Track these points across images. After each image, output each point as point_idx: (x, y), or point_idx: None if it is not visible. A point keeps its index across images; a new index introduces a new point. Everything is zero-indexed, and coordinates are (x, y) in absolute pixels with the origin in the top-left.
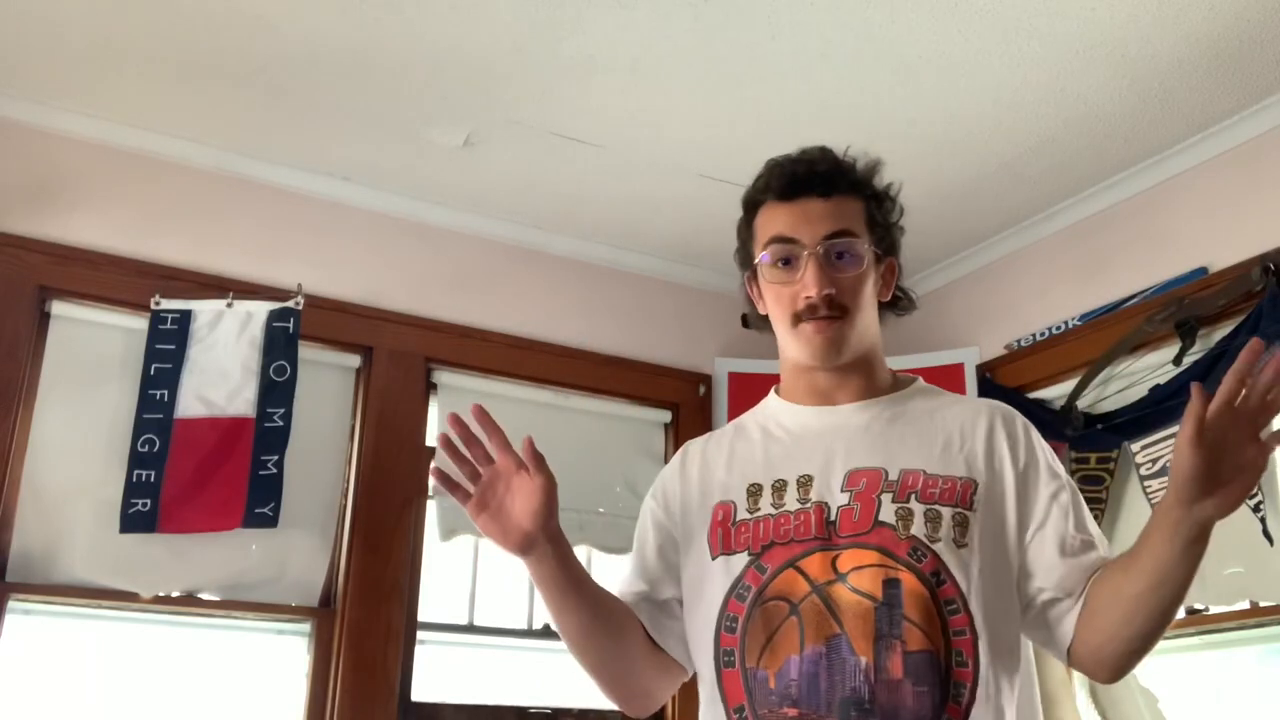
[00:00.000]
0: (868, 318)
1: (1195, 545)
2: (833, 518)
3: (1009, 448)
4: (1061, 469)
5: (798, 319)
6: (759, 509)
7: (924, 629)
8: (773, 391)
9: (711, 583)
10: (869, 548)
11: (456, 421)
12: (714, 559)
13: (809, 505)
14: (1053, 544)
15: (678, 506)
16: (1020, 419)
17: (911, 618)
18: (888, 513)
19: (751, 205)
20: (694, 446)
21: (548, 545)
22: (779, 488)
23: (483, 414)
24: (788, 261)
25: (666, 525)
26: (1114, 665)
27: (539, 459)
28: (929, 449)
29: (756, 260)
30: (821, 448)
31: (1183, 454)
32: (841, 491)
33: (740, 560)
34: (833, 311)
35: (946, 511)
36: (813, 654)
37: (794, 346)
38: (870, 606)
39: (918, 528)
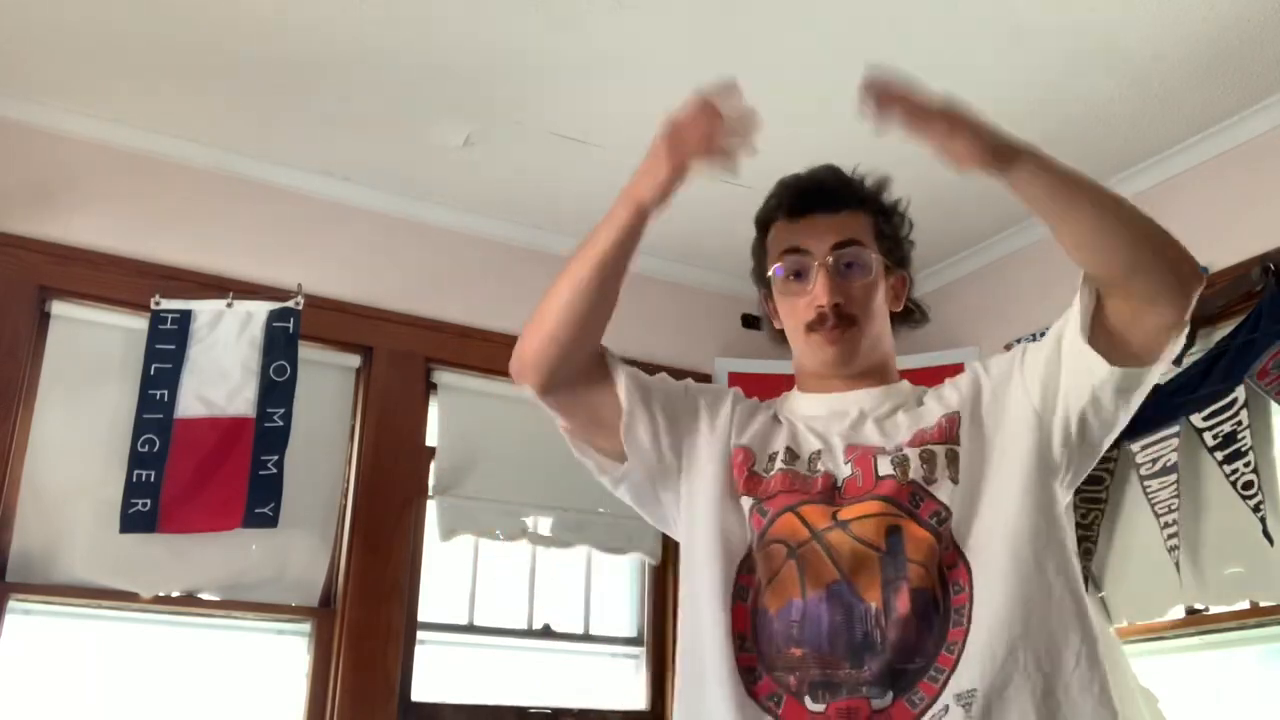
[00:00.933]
0: (878, 328)
1: (1000, 163)
2: (839, 485)
3: (982, 369)
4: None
5: (809, 329)
6: (773, 466)
7: (925, 567)
8: (796, 388)
9: (723, 516)
10: (871, 498)
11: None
12: (735, 498)
13: (818, 473)
14: (1052, 342)
15: (719, 419)
16: (1001, 354)
17: (914, 559)
18: (885, 467)
19: (764, 224)
20: (740, 395)
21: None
22: (792, 455)
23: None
24: (799, 274)
25: (694, 408)
26: (1143, 298)
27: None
28: (928, 423)
29: (769, 274)
30: (831, 429)
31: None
32: (844, 464)
33: (745, 503)
34: (842, 321)
35: (940, 450)
36: (815, 598)
37: (807, 356)
38: (875, 556)
39: (914, 471)
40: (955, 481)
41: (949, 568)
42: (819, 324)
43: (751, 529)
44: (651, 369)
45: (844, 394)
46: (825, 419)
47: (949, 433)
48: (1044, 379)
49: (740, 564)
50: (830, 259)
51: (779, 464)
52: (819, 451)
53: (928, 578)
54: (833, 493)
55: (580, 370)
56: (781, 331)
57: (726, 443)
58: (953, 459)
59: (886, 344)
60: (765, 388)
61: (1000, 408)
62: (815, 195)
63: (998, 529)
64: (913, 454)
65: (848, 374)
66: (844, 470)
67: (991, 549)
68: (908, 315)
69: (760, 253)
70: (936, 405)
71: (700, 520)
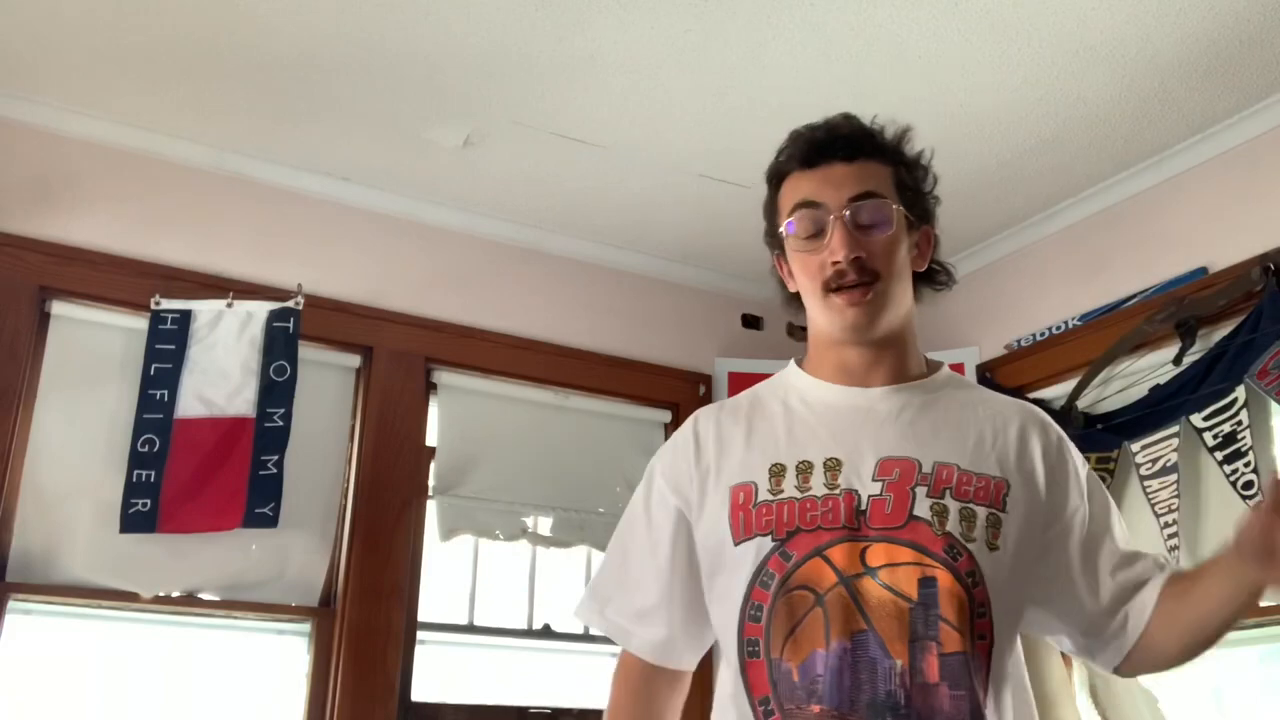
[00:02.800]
0: (901, 286)
1: (1252, 597)
2: (863, 507)
3: (1041, 452)
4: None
5: (828, 289)
6: (782, 491)
7: (958, 630)
8: (793, 363)
9: (734, 569)
10: (902, 543)
11: None
12: (737, 544)
13: (837, 492)
14: (1111, 556)
15: (693, 487)
16: (1055, 427)
17: (947, 618)
18: (922, 507)
19: (775, 178)
20: (706, 417)
21: None
22: (804, 469)
23: None
24: (816, 231)
25: (681, 509)
26: (1163, 666)
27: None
28: (962, 444)
29: (781, 230)
30: (851, 431)
31: (1253, 524)
32: (873, 480)
33: (765, 545)
34: (864, 277)
35: (981, 511)
36: (838, 649)
37: (825, 319)
38: (906, 607)
39: (953, 525)
40: (993, 548)
41: (979, 638)
42: (837, 280)
43: (771, 573)
44: (652, 369)
45: (866, 389)
46: (846, 416)
47: (995, 497)
48: (1090, 572)
49: (742, 613)
50: (848, 212)
51: (790, 488)
52: (837, 461)
53: (961, 641)
54: (857, 518)
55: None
56: (796, 296)
57: (720, 487)
58: (994, 524)
59: (908, 308)
60: None
61: (1035, 514)
62: (830, 144)
63: (1013, 605)
64: (953, 506)
65: (869, 339)
66: (871, 487)
67: (1003, 625)
68: (932, 276)
69: (772, 210)
70: (982, 429)
71: (711, 582)
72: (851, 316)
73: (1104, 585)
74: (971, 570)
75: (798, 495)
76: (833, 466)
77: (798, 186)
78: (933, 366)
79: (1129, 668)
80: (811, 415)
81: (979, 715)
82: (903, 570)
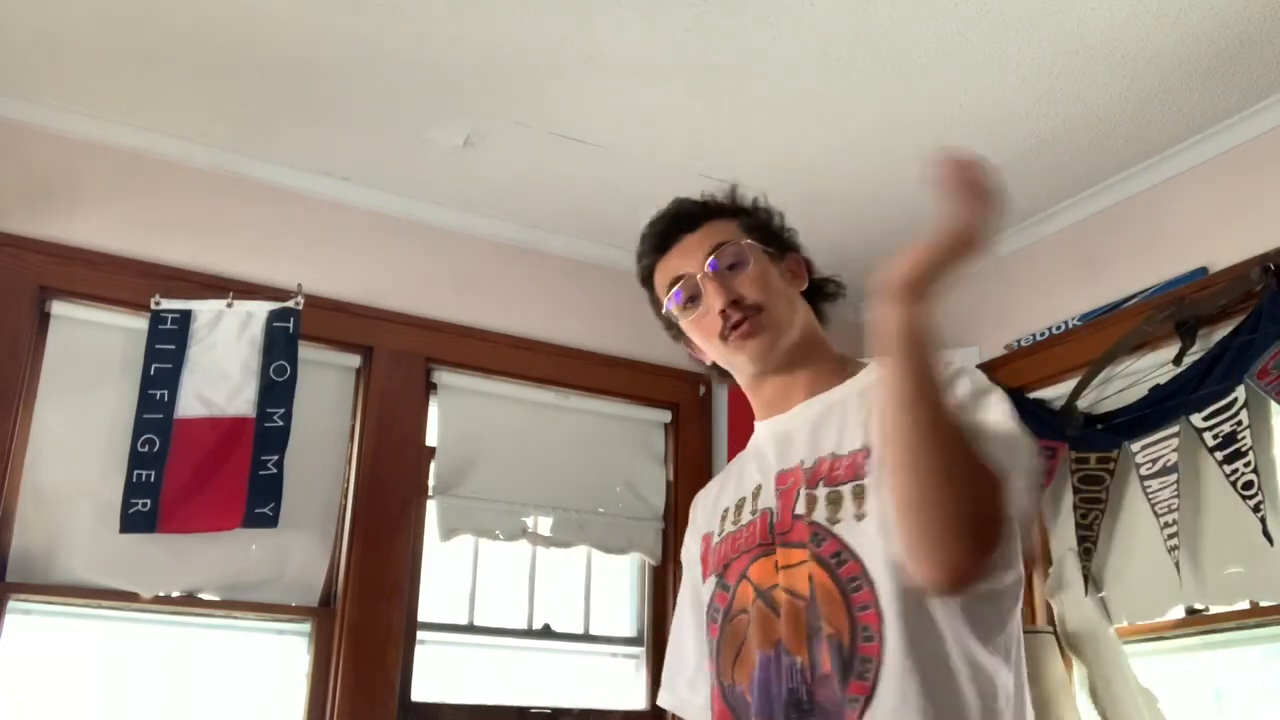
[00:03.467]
0: (787, 308)
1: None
2: (773, 522)
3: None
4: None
5: (724, 338)
6: (724, 530)
7: (833, 613)
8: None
9: (699, 613)
10: (792, 545)
11: None
12: (704, 585)
13: (756, 515)
14: None
15: (695, 554)
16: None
17: (824, 606)
18: (801, 505)
19: (645, 278)
20: (698, 499)
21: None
22: (739, 505)
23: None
24: (693, 298)
25: (694, 578)
26: (912, 549)
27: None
28: (842, 429)
29: (667, 312)
30: (774, 455)
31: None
32: (776, 495)
33: (712, 583)
34: (747, 312)
35: (846, 489)
36: (762, 660)
37: (735, 364)
38: (801, 605)
39: (819, 512)
40: (860, 518)
41: (861, 609)
42: (726, 324)
43: (717, 607)
44: (652, 369)
45: (785, 414)
46: (773, 444)
47: (859, 469)
48: None
49: (709, 651)
50: (709, 266)
51: (729, 525)
52: (759, 487)
53: (844, 622)
54: (770, 533)
55: None
56: (715, 366)
57: (697, 551)
58: (859, 494)
59: (802, 322)
60: None
61: None
62: (674, 224)
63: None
64: (821, 494)
65: (776, 364)
66: (775, 502)
67: (887, 590)
68: (820, 290)
69: (657, 305)
70: (861, 404)
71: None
72: (751, 348)
73: None
74: (837, 551)
75: (732, 529)
76: (756, 493)
77: (664, 270)
78: (854, 367)
79: (912, 558)
80: (754, 454)
81: (874, 692)
82: (797, 570)
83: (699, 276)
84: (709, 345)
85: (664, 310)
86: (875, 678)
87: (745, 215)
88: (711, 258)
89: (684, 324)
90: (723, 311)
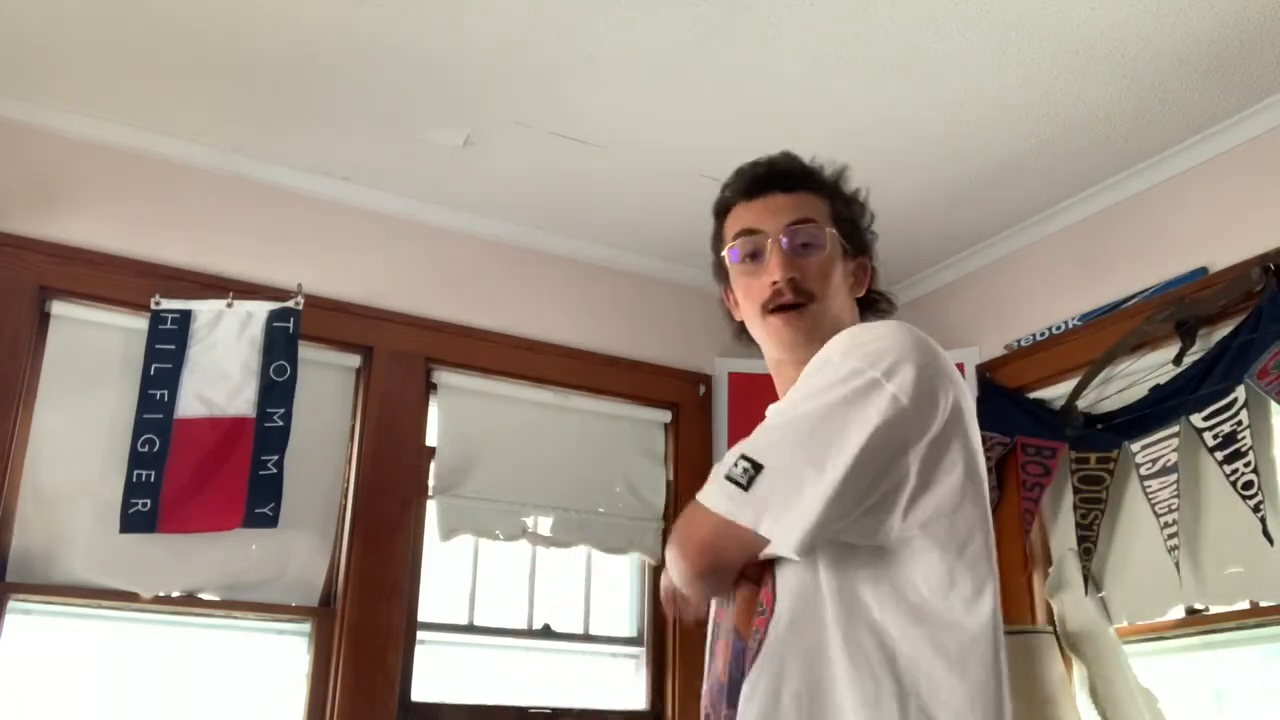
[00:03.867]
0: (837, 307)
1: None
2: None
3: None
4: (820, 383)
5: (766, 310)
6: None
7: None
8: None
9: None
10: None
11: None
12: None
13: None
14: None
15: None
16: (832, 345)
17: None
18: None
19: (720, 210)
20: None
21: None
22: None
23: None
24: (754, 255)
25: None
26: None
27: None
28: None
29: (724, 256)
30: None
31: None
32: None
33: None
34: (799, 298)
35: None
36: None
37: (764, 340)
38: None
39: None
40: None
41: (756, 588)
42: (775, 300)
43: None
44: (652, 369)
45: None
46: None
47: None
48: None
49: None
50: (784, 236)
51: None
52: None
53: (733, 614)
54: None
55: None
56: (742, 325)
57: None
58: None
59: (846, 327)
60: (765, 387)
61: None
62: (770, 176)
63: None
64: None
65: (801, 359)
66: None
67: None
68: (873, 304)
69: (718, 241)
70: None
71: None
72: (787, 336)
73: None
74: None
75: None
76: None
77: (740, 216)
78: None
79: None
80: None
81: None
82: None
83: (769, 240)
84: (747, 305)
85: (722, 252)
86: (760, 641)
87: (840, 201)
88: (792, 228)
89: (734, 273)
90: (775, 285)
